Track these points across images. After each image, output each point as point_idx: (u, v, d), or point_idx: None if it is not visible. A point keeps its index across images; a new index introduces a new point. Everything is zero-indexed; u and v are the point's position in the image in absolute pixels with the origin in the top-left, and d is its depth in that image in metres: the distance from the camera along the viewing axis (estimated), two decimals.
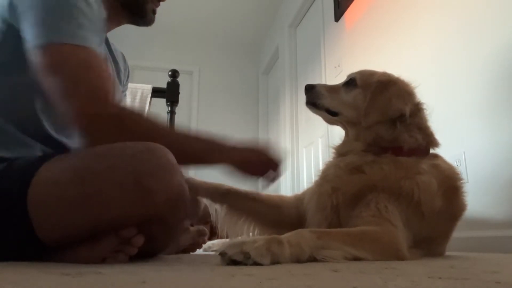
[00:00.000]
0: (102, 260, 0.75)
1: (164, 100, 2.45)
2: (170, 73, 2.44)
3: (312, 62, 3.59)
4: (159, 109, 2.52)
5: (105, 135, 0.83)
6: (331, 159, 1.14)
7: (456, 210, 1.03)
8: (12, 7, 0.84)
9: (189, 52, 5.21)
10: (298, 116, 3.92)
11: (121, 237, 0.75)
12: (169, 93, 2.42)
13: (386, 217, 0.89)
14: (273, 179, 1.05)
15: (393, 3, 2.31)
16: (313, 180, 1.15)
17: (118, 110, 0.86)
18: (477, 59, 1.63)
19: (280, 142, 4.21)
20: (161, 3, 1.14)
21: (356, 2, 2.76)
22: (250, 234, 1.26)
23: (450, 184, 1.01)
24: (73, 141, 0.97)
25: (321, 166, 1.16)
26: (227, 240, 1.35)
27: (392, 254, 0.82)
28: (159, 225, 0.80)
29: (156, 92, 2.60)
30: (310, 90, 1.17)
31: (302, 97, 1.20)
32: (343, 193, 0.99)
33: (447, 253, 1.13)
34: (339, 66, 2.92)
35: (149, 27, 1.17)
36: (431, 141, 1.07)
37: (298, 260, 0.70)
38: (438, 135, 1.09)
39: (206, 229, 1.46)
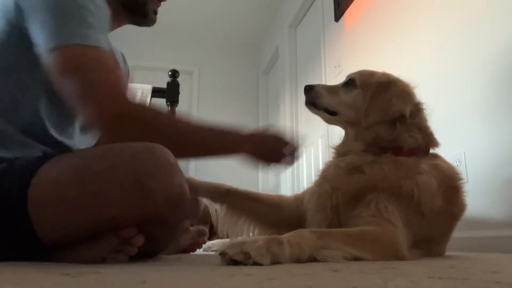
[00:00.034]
0: (102, 260, 0.75)
1: (164, 100, 2.45)
2: (170, 73, 2.44)
3: (312, 62, 3.59)
4: None
5: (127, 133, 0.84)
6: (331, 159, 1.14)
7: (456, 210, 1.03)
8: (18, 9, 0.83)
9: (189, 52, 5.21)
10: (298, 116, 3.92)
11: (121, 237, 0.75)
12: (169, 93, 2.42)
13: (386, 217, 0.89)
14: (289, 164, 1.06)
15: (393, 3, 2.31)
16: (313, 180, 1.15)
17: (137, 107, 0.87)
18: (477, 59, 1.63)
19: None
20: (162, 3, 1.14)
21: (356, 2, 2.76)
22: (250, 234, 1.26)
23: (450, 184, 1.01)
24: (74, 141, 0.97)
25: (321, 166, 1.16)
26: (227, 240, 1.35)
27: (392, 254, 0.82)
28: (159, 225, 0.80)
29: (156, 92, 2.61)
30: (310, 90, 1.17)
31: (302, 97, 1.20)
32: (343, 193, 0.99)
33: (447, 253, 1.13)
34: (339, 66, 2.92)
35: (149, 27, 1.17)
36: (431, 141, 1.07)
37: (298, 260, 0.70)
38: (438, 135, 1.09)
39: (206, 229, 1.46)
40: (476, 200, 1.45)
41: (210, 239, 1.62)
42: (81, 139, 1.01)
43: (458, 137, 1.67)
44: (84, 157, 0.80)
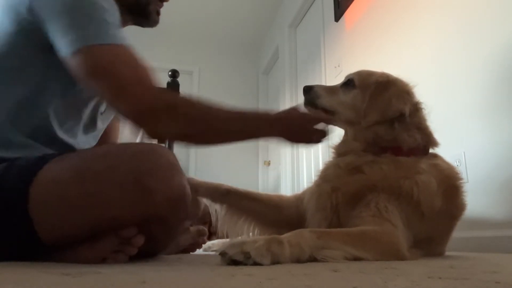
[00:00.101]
0: (102, 260, 0.75)
1: None
2: (170, 73, 2.44)
3: (312, 62, 3.59)
4: None
5: (163, 126, 0.85)
6: (330, 159, 1.14)
7: (456, 210, 1.03)
8: (32, 14, 0.83)
9: (189, 52, 5.21)
10: None
11: (121, 237, 0.75)
12: None
13: (386, 217, 0.90)
14: (319, 142, 1.06)
15: (393, 3, 2.31)
16: (313, 180, 1.15)
17: (168, 99, 0.87)
18: (477, 59, 1.63)
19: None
20: (164, 3, 1.13)
21: (356, 2, 2.76)
22: (250, 234, 1.26)
23: (449, 184, 1.01)
24: (77, 141, 0.97)
25: (321, 166, 1.16)
26: (227, 240, 1.35)
27: (392, 254, 0.82)
28: (159, 225, 0.80)
29: None
30: (309, 91, 1.17)
31: (302, 98, 1.20)
32: (343, 193, 0.99)
33: (447, 253, 1.13)
34: (339, 66, 2.92)
35: (151, 28, 1.17)
36: (430, 141, 1.07)
37: (298, 260, 0.70)
38: (438, 135, 1.09)
39: (206, 229, 1.46)
40: (476, 200, 1.45)
41: (210, 239, 1.62)
42: (83, 139, 1.01)
43: (458, 137, 1.67)
44: (84, 157, 0.80)
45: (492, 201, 1.49)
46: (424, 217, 0.95)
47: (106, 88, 0.82)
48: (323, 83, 3.11)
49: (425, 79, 1.82)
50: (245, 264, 0.63)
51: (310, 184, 1.16)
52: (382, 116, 1.03)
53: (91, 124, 1.04)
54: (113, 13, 0.87)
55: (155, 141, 0.88)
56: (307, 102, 1.18)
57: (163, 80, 2.63)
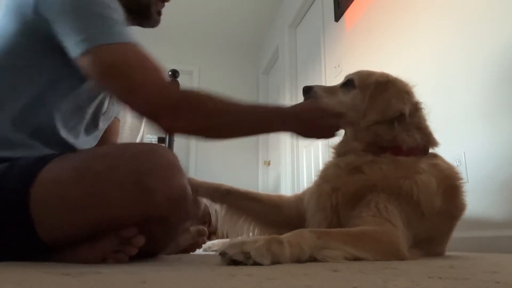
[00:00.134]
0: (102, 260, 0.75)
1: None
2: (170, 73, 2.44)
3: (312, 62, 3.59)
4: None
5: (177, 120, 0.85)
6: (330, 159, 1.14)
7: (455, 210, 1.03)
8: (38, 13, 0.83)
9: (189, 52, 5.21)
10: None
11: (121, 237, 0.75)
12: None
13: (386, 217, 0.90)
14: (332, 136, 1.06)
15: (393, 3, 2.31)
16: (313, 180, 1.15)
17: (182, 94, 0.87)
18: (477, 59, 1.63)
19: (280, 143, 4.21)
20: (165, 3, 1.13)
21: (356, 2, 2.76)
22: (250, 234, 1.26)
23: (449, 184, 1.01)
24: (79, 141, 0.98)
25: (321, 166, 1.16)
26: (227, 240, 1.35)
27: (392, 254, 0.82)
28: (159, 225, 0.80)
29: None
30: (308, 91, 1.17)
31: (302, 98, 1.20)
32: (343, 193, 0.99)
33: (447, 253, 1.13)
34: (339, 66, 2.92)
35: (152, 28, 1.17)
36: (430, 141, 1.07)
37: (298, 260, 0.70)
38: (438, 135, 1.09)
39: (206, 229, 1.46)
40: (476, 200, 1.45)
41: (209, 239, 1.62)
42: (84, 140, 1.01)
43: (458, 137, 1.67)
44: (85, 157, 0.80)
45: (492, 201, 1.49)
46: (424, 217, 0.95)
47: (118, 87, 0.83)
48: (323, 83, 3.11)
49: (425, 79, 1.82)
50: (245, 264, 0.63)
51: (310, 184, 1.17)
52: (382, 116, 1.03)
53: (93, 124, 1.05)
54: (119, 10, 0.87)
55: (167, 134, 0.88)
56: None
57: None
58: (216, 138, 0.96)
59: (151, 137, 3.03)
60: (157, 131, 0.87)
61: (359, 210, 0.94)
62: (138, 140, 2.48)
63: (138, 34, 0.90)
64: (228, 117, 0.90)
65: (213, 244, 1.62)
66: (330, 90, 1.18)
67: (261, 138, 5.05)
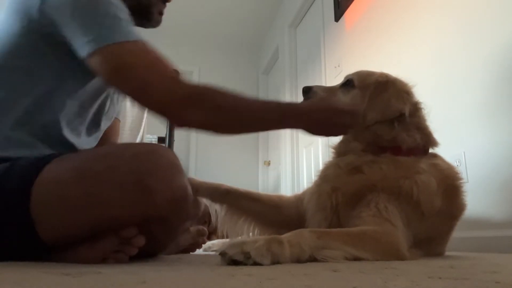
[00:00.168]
0: (102, 260, 0.75)
1: None
2: None
3: (312, 62, 3.59)
4: None
5: (190, 116, 0.84)
6: (330, 159, 1.14)
7: (455, 210, 1.03)
8: (44, 15, 0.83)
9: (189, 52, 5.21)
10: None
11: (121, 237, 0.75)
12: None
13: (386, 217, 0.90)
14: (344, 134, 1.07)
15: (393, 3, 2.31)
16: (313, 180, 1.15)
17: (193, 89, 0.87)
18: (477, 59, 1.63)
19: (280, 143, 4.22)
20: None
21: (356, 2, 2.76)
22: (250, 234, 1.26)
23: (449, 184, 1.01)
24: (81, 140, 0.98)
25: (321, 166, 1.16)
26: (227, 240, 1.35)
27: (392, 254, 0.82)
28: (159, 225, 0.80)
29: None
30: (308, 91, 1.17)
31: (302, 98, 1.20)
32: (343, 193, 0.99)
33: (447, 253, 1.13)
34: (339, 66, 2.92)
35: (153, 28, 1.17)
36: (429, 141, 1.07)
37: (298, 260, 0.70)
38: (438, 135, 1.09)
39: (206, 229, 1.46)
40: (476, 200, 1.46)
41: (209, 239, 1.62)
42: (86, 140, 1.01)
43: (458, 137, 1.67)
44: (85, 157, 0.80)
45: (492, 201, 1.49)
46: (424, 217, 0.95)
47: (128, 86, 0.83)
48: (323, 83, 3.12)
49: (425, 79, 1.82)
50: (245, 264, 0.63)
51: (310, 184, 1.16)
52: (382, 116, 1.03)
53: (95, 124, 1.05)
54: (124, 9, 0.87)
55: (180, 128, 0.88)
56: None
57: None
58: (227, 133, 0.96)
59: (151, 137, 3.03)
60: (172, 126, 0.87)
61: (359, 210, 0.94)
62: (138, 140, 2.48)
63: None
64: (240, 112, 0.90)
65: (213, 244, 1.62)
66: (330, 90, 1.18)
67: (261, 138, 5.05)
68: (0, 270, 0.58)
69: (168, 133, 2.81)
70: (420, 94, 1.10)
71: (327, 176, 1.08)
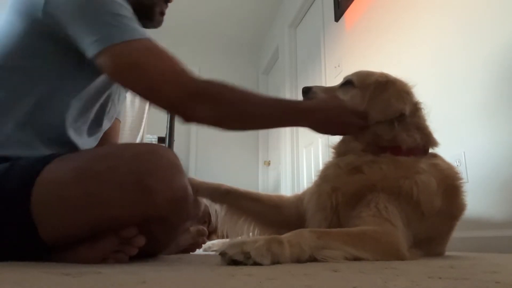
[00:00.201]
0: (102, 260, 0.75)
1: None
2: None
3: (312, 62, 3.59)
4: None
5: (200, 111, 0.85)
6: (330, 159, 1.14)
7: (455, 210, 1.03)
8: (48, 15, 0.83)
9: (189, 52, 5.21)
10: None
11: (121, 237, 0.75)
12: None
13: (386, 217, 0.89)
14: (353, 133, 1.07)
15: (393, 3, 2.31)
16: (313, 180, 1.15)
17: (201, 84, 0.87)
18: (477, 59, 1.63)
19: (280, 143, 4.22)
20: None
21: (356, 2, 2.76)
22: (250, 234, 1.26)
23: (449, 184, 1.01)
24: (83, 140, 0.98)
25: (321, 166, 1.16)
26: (227, 240, 1.35)
27: (392, 254, 0.82)
28: (160, 225, 0.80)
29: None
30: (307, 92, 1.17)
31: (302, 98, 1.20)
32: (343, 193, 0.99)
33: (447, 253, 1.13)
34: (339, 66, 2.92)
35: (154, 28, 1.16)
36: (429, 141, 1.07)
37: (298, 260, 0.70)
38: (438, 135, 1.09)
39: (206, 229, 1.46)
40: (476, 200, 1.46)
41: (209, 239, 1.62)
42: (87, 140, 1.01)
43: (458, 137, 1.67)
44: (85, 157, 0.80)
45: (492, 201, 1.49)
46: (424, 217, 0.95)
47: (138, 84, 0.83)
48: (323, 83, 3.12)
49: (425, 79, 1.82)
50: (245, 264, 0.63)
51: (310, 184, 1.16)
52: (382, 116, 1.03)
53: (97, 124, 1.05)
54: (128, 8, 0.87)
55: (188, 124, 0.88)
56: None
57: None
58: (236, 128, 0.96)
59: (151, 137, 3.03)
60: (180, 121, 0.87)
61: (359, 210, 0.94)
62: (138, 140, 2.48)
63: None
64: (250, 109, 0.90)
65: (213, 244, 1.62)
66: (329, 90, 1.18)
67: (261, 138, 5.05)
68: (0, 270, 0.58)
69: (168, 133, 2.81)
70: (420, 94, 1.10)
71: (327, 176, 1.08)
